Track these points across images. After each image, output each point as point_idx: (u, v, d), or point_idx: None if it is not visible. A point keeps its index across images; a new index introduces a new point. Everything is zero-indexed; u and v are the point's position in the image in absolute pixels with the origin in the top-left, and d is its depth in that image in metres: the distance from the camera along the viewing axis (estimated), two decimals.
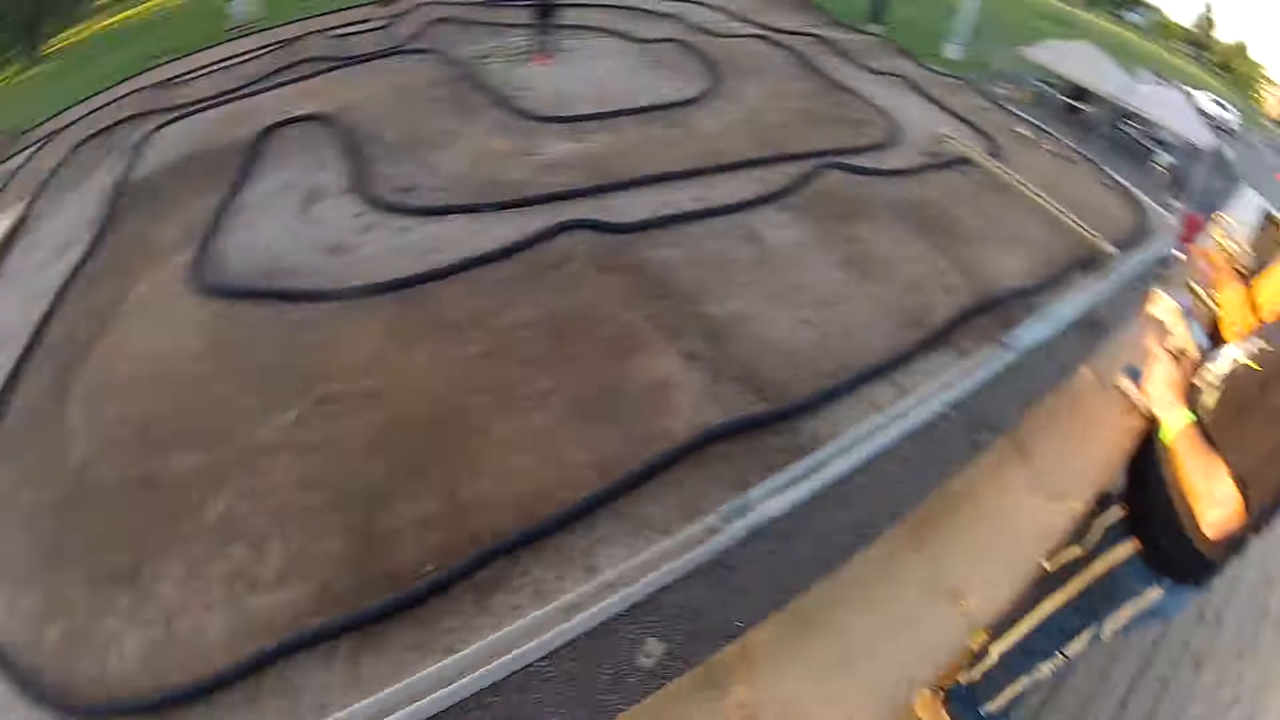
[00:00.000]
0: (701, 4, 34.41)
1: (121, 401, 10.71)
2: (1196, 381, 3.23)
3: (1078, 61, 34.49)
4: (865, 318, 13.25)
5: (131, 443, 9.96)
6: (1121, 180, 25.42)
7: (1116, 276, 16.32)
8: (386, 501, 8.87)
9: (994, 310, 14.10)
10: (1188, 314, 3.36)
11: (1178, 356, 3.22)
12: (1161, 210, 24.36)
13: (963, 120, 25.57)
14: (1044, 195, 19.40)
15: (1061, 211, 18.80)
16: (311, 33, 28.74)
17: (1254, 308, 4.23)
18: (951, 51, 38.86)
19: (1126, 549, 3.37)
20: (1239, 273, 4.48)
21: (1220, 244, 4.66)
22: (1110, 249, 17.58)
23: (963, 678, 4.19)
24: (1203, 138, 31.71)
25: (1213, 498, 2.77)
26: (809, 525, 8.53)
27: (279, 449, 9.56)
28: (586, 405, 10.28)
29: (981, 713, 3.99)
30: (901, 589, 2.64)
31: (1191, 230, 9.74)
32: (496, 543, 8.11)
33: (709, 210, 15.51)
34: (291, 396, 10.27)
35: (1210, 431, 2.96)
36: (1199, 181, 30.14)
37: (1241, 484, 2.70)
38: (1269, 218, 8.63)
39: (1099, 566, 3.46)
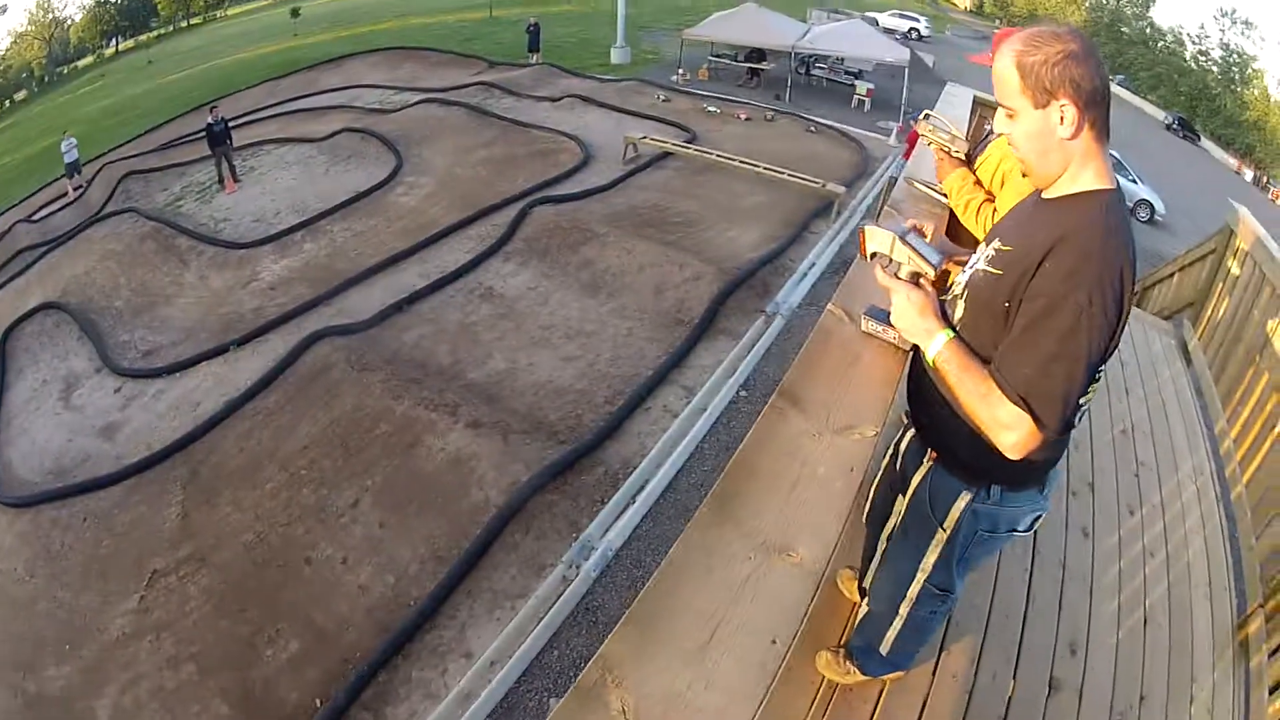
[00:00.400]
0: (368, 85, 35.37)
1: None
2: (946, 297, 3.07)
3: (744, 26, 35.10)
4: (625, 333, 13.54)
5: (4, 671, 9.66)
6: (825, 122, 26.50)
7: (852, 213, 17.01)
8: (252, 653, 8.74)
9: (748, 283, 14.47)
10: (908, 233, 3.08)
11: (916, 281, 2.99)
12: (878, 135, 25.32)
13: (649, 118, 26.28)
14: (754, 161, 19.95)
15: (776, 170, 19.32)
16: (16, 223, 28.77)
17: (980, 186, 4.47)
18: (618, 56, 39.59)
19: (927, 465, 3.21)
20: (960, 160, 4.69)
21: (930, 139, 4.77)
22: (839, 189, 18.16)
23: (855, 631, 4.12)
24: (893, 54, 32.79)
25: (999, 423, 2.56)
26: (657, 542, 8.83)
27: (136, 636, 9.38)
28: (398, 503, 10.25)
29: (884, 654, 3.84)
30: (731, 561, 2.63)
31: (914, 143, 10.10)
32: (370, 659, 8.10)
33: (439, 282, 15.74)
34: (126, 582, 10.13)
35: (972, 345, 2.79)
36: (904, 95, 31.27)
37: (1024, 403, 2.48)
38: (976, 100, 8.96)
39: (912, 486, 3.29)
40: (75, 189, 30.56)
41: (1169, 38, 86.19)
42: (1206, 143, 66.79)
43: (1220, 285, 8.74)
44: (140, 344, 16.09)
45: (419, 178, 22.39)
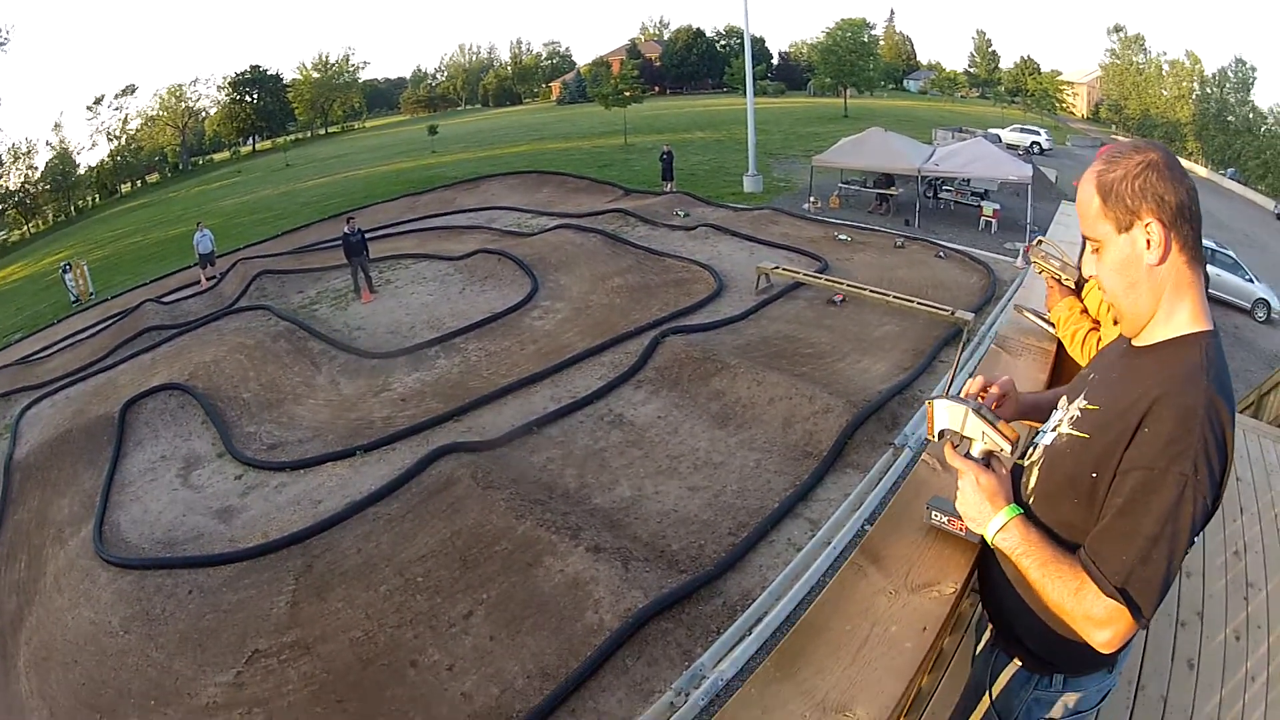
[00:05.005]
0: (505, 207, 36.08)
1: (63, 671, 10.56)
2: (1023, 462, 2.85)
3: (871, 150, 35.01)
4: (753, 465, 13.39)
5: (82, 712, 9.78)
6: (953, 246, 26.44)
7: (981, 339, 16.72)
8: None
9: (877, 415, 14.31)
10: (983, 407, 2.71)
11: (988, 461, 2.67)
12: (1005, 258, 25.03)
13: (781, 247, 26.45)
14: (884, 291, 19.82)
15: (906, 299, 19.18)
16: (145, 301, 29.26)
17: (1087, 314, 4.29)
18: (750, 184, 39.68)
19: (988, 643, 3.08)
20: (1071, 289, 4.51)
21: (1042, 267, 4.61)
22: (967, 315, 17.98)
23: None
24: (1017, 172, 32.15)
25: (1091, 620, 2.28)
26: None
27: (226, 707, 9.44)
28: (511, 619, 10.18)
29: None
30: (787, 718, 2.39)
31: None
32: None
33: (569, 406, 15.83)
34: (225, 656, 10.19)
35: (1048, 520, 2.56)
36: (1028, 214, 30.78)
37: (1123, 594, 2.20)
38: None
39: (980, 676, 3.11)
40: (208, 279, 31.29)
41: (1270, 119, 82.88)
42: None
43: None
44: (266, 437, 16.34)
45: (554, 302, 22.74)
